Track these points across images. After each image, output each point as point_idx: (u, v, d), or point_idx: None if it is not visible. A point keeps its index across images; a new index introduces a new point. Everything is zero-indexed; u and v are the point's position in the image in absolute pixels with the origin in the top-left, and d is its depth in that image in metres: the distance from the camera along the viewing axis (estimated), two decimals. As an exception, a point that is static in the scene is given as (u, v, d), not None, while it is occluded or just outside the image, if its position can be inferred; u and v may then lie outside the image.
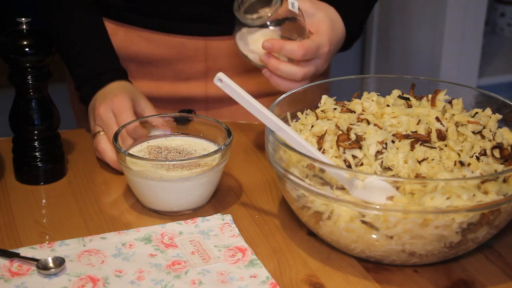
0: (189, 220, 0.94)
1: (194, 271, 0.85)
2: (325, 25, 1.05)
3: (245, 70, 1.23)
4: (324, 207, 0.84)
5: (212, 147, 1.01)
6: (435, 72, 2.32)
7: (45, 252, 0.87)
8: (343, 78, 1.05)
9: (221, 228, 0.93)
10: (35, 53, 0.98)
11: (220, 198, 1.01)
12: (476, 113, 0.95)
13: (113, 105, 1.05)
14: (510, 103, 0.95)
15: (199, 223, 0.93)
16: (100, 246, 0.89)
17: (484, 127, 0.92)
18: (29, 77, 1.00)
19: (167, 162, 0.94)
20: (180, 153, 1.00)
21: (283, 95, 0.97)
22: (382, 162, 0.85)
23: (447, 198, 0.79)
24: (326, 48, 1.05)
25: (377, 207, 0.80)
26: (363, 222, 0.82)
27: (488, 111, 0.95)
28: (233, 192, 1.03)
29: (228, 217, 0.95)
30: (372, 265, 0.87)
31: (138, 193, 0.97)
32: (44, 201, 1.01)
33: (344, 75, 1.07)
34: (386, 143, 0.86)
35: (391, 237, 0.82)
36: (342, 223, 0.83)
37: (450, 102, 0.98)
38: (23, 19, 0.99)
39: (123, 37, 1.23)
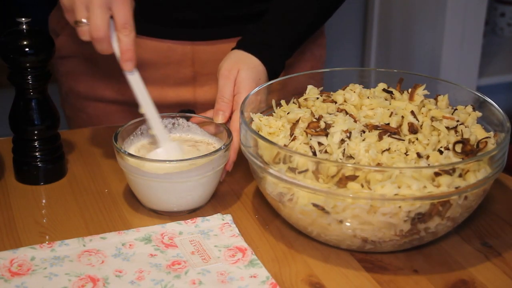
0: (189, 220, 0.94)
1: (194, 271, 0.85)
2: (246, 83, 1.04)
3: None
4: (286, 190, 0.87)
5: (214, 143, 1.01)
6: (435, 72, 2.32)
7: (45, 252, 0.87)
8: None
9: (221, 228, 0.93)
10: (35, 53, 0.98)
11: (220, 198, 1.01)
12: (456, 109, 0.96)
13: None
14: (498, 110, 0.94)
15: (199, 223, 0.93)
16: (100, 246, 0.89)
17: (460, 123, 0.93)
18: (29, 77, 1.00)
19: (167, 162, 0.94)
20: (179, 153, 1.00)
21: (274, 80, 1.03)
22: (344, 150, 0.87)
23: (398, 187, 0.81)
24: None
25: (326, 190, 0.83)
26: (314, 205, 0.84)
27: (469, 108, 0.97)
28: (233, 192, 1.03)
29: (228, 217, 0.95)
30: (372, 265, 0.87)
31: (138, 193, 0.97)
32: (44, 201, 1.01)
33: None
34: (350, 132, 0.88)
35: (341, 221, 0.84)
36: (299, 206, 0.86)
37: (435, 98, 0.98)
38: (23, 19, 0.99)
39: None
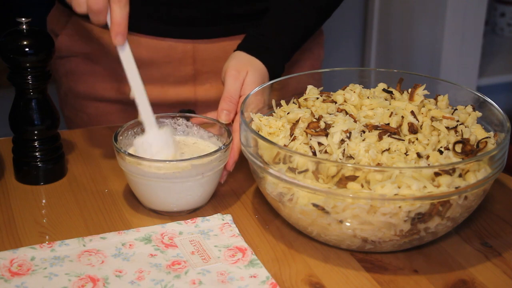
0: (189, 220, 0.94)
1: (194, 271, 0.85)
2: (253, 86, 1.04)
3: None
4: (286, 190, 0.87)
5: (212, 147, 1.01)
6: (435, 72, 2.32)
7: (45, 252, 0.87)
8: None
9: (221, 228, 0.93)
10: (35, 53, 0.98)
11: (220, 198, 1.01)
12: (456, 109, 0.96)
13: None
14: (498, 110, 0.95)
15: (199, 223, 0.93)
16: (100, 246, 0.89)
17: (461, 123, 0.93)
18: (29, 77, 1.00)
19: (167, 162, 0.94)
20: (180, 152, 1.00)
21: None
22: (344, 150, 0.87)
23: (398, 187, 0.81)
24: None
25: (326, 190, 0.83)
26: (314, 205, 0.84)
27: (469, 108, 0.97)
28: (233, 192, 1.03)
29: (228, 217, 0.95)
30: (372, 265, 0.88)
31: (138, 193, 0.97)
32: (44, 201, 1.01)
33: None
34: (350, 132, 0.88)
35: (341, 221, 0.84)
36: (299, 206, 0.86)
37: (435, 98, 0.98)
38: (23, 19, 0.99)
39: (110, 41, 1.22)
